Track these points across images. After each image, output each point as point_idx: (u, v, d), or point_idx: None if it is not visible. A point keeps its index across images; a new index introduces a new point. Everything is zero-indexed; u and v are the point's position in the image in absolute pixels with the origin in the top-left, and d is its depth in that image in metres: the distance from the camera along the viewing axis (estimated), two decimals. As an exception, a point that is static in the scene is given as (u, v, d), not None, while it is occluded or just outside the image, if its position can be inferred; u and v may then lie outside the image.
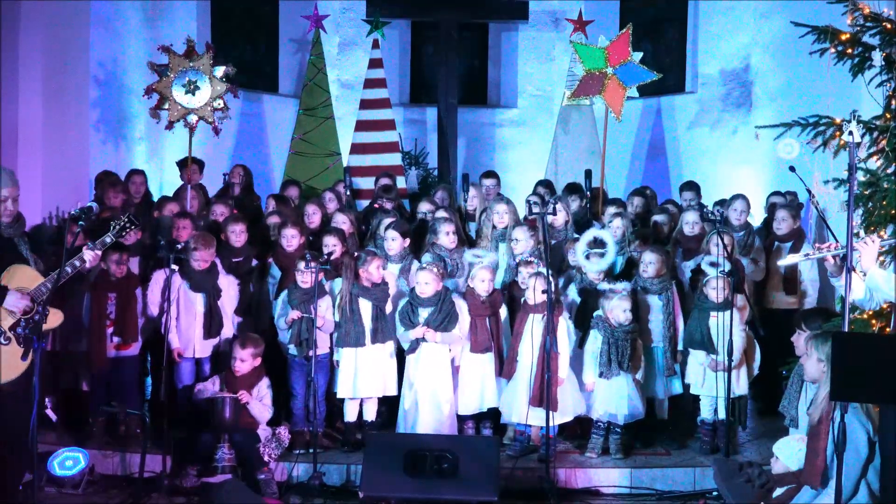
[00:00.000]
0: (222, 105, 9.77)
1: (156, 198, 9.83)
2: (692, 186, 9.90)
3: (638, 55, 10.11)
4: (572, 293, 7.71)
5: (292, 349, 7.45)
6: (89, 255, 5.75)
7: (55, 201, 8.68)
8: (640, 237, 8.19)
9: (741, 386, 7.43)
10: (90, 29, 10.38)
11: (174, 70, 9.66)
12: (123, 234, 6.03)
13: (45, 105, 9.22)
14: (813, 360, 5.34)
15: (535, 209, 6.89)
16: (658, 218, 8.85)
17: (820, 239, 8.30)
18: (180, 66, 9.67)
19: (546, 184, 10.06)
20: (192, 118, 9.71)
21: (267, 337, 7.52)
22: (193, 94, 9.72)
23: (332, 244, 7.81)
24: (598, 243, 7.71)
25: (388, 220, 8.19)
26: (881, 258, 5.67)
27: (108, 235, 5.93)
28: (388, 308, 7.46)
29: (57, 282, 5.50)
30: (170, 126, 9.79)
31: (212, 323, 7.58)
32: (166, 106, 9.72)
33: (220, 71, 9.73)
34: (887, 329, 5.65)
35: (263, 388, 7.14)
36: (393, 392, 7.46)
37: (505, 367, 7.32)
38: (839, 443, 4.63)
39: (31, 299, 5.54)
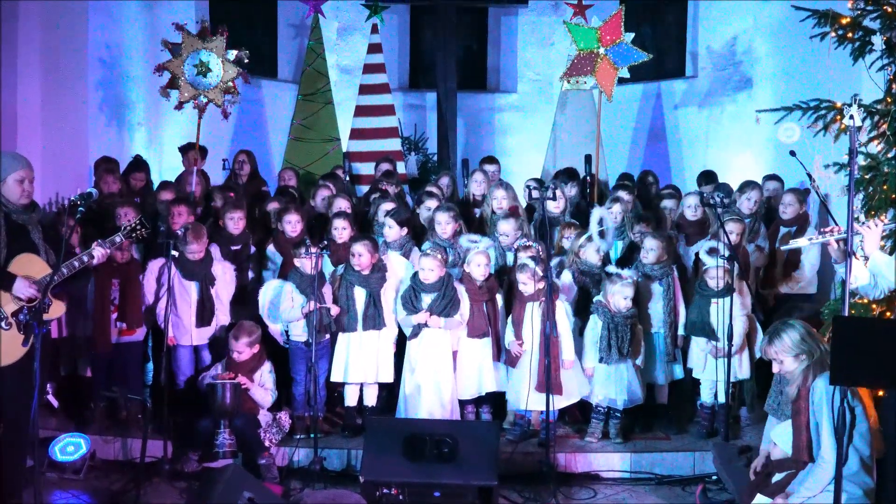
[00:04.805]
0: (233, 89, 9.66)
1: (156, 183, 9.82)
2: (709, 177, 9.84)
3: (630, 36, 10.05)
4: (567, 279, 7.69)
5: (292, 335, 7.46)
6: (98, 253, 5.78)
7: (55, 187, 8.66)
8: (643, 220, 8.19)
9: (744, 370, 7.44)
10: (89, 13, 10.33)
11: (187, 50, 9.54)
12: (133, 235, 6.07)
13: (44, 90, 9.17)
14: (789, 360, 5.26)
15: (535, 194, 6.89)
16: (668, 203, 8.81)
17: (821, 224, 8.28)
18: (193, 46, 9.55)
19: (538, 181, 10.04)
20: (202, 100, 9.61)
21: (265, 323, 7.53)
22: (205, 76, 9.62)
23: (341, 227, 7.81)
24: (601, 223, 7.81)
25: (387, 206, 8.17)
26: (882, 243, 5.67)
27: (118, 235, 5.97)
28: (391, 294, 7.45)
29: (55, 273, 5.47)
30: (179, 106, 9.69)
31: (203, 311, 7.60)
32: (177, 85, 9.61)
33: (232, 55, 9.62)
34: (888, 314, 5.66)
35: (265, 373, 7.18)
36: (389, 379, 7.45)
37: (508, 355, 7.33)
38: (839, 426, 4.63)
39: (38, 289, 5.55)
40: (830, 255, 5.47)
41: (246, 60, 9.67)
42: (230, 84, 9.61)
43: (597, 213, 7.94)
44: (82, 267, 5.72)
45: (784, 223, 8.31)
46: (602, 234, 7.76)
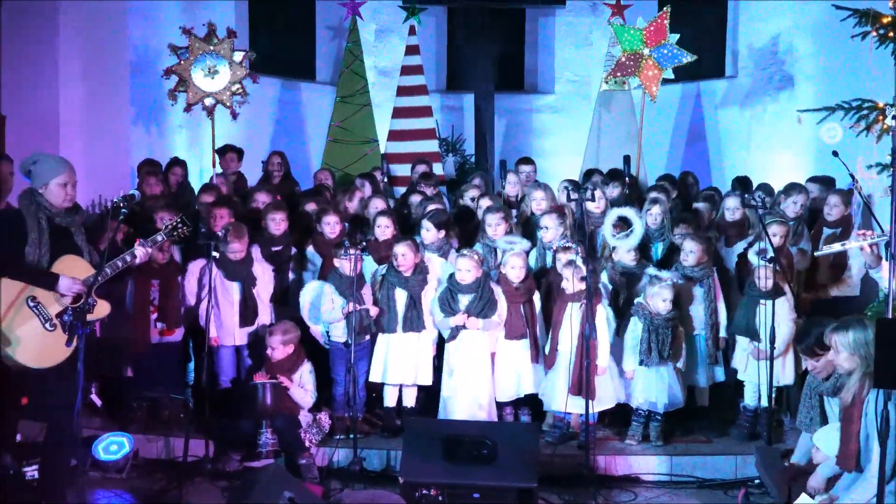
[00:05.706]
0: (241, 90, 9.75)
1: (196, 185, 9.91)
2: (744, 184, 9.74)
3: (674, 37, 10.04)
4: (603, 279, 7.63)
5: (332, 336, 7.49)
6: (140, 252, 5.83)
7: (97, 189, 8.77)
8: (683, 221, 8.11)
9: (787, 375, 7.31)
10: (128, 17, 10.45)
11: (194, 53, 9.67)
12: (175, 234, 6.13)
13: (86, 94, 9.29)
14: (844, 356, 5.16)
15: (573, 195, 6.84)
16: (700, 206, 8.73)
17: (864, 225, 8.16)
18: (200, 49, 9.67)
19: (591, 173, 9.98)
20: (209, 101, 9.72)
21: (305, 323, 7.57)
22: (212, 78, 9.73)
23: (384, 225, 7.85)
24: (623, 221, 7.69)
25: (430, 207, 8.18)
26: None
27: (160, 234, 6.04)
28: (431, 296, 7.43)
29: (98, 273, 5.53)
30: (188, 108, 9.84)
31: (246, 311, 7.66)
32: (184, 88, 9.73)
33: (239, 56, 9.72)
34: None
35: (305, 373, 7.20)
36: (427, 382, 7.46)
37: (547, 357, 7.30)
38: (882, 431, 4.56)
39: (83, 285, 5.61)
40: (865, 260, 5.38)
41: (252, 60, 9.78)
42: (238, 85, 9.72)
43: (612, 214, 7.79)
44: (125, 267, 5.79)
45: (828, 224, 8.14)
46: (629, 234, 7.65)
